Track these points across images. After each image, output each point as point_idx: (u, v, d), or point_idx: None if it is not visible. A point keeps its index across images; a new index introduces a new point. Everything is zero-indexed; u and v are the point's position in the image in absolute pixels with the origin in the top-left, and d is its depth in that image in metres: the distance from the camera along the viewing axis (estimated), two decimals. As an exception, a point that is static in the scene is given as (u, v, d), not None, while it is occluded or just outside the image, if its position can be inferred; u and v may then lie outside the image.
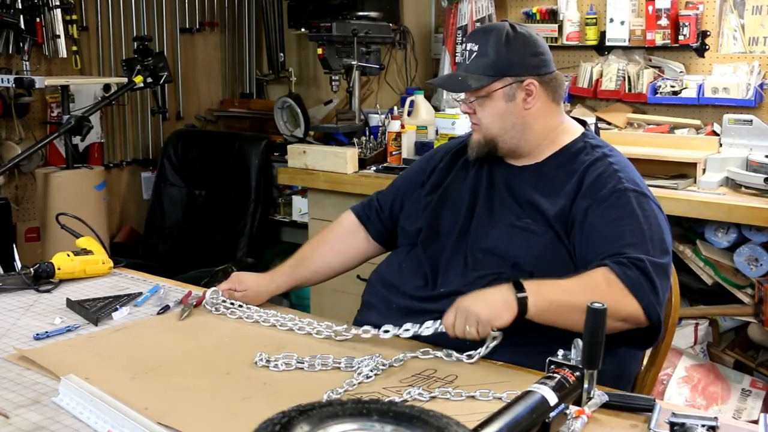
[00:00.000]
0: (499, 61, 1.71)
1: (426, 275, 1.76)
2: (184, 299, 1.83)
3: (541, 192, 1.72)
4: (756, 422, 1.31)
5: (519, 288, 1.51)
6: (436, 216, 1.82)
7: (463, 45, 1.80)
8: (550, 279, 1.56)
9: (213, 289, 1.84)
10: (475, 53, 1.73)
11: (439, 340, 1.60)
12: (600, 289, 1.52)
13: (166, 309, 1.79)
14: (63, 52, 3.82)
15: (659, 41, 3.27)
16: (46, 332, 1.65)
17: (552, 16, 3.59)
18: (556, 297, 1.53)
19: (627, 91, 3.40)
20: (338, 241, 2.00)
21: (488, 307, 1.50)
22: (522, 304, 1.50)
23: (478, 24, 3.57)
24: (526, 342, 1.59)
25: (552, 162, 1.76)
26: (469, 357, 1.53)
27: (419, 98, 3.50)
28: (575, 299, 1.48)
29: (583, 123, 1.86)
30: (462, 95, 1.80)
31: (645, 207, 1.66)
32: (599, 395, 1.30)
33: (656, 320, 1.56)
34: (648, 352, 1.84)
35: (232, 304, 1.81)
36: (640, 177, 1.76)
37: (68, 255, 2.03)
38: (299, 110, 3.84)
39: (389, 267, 1.85)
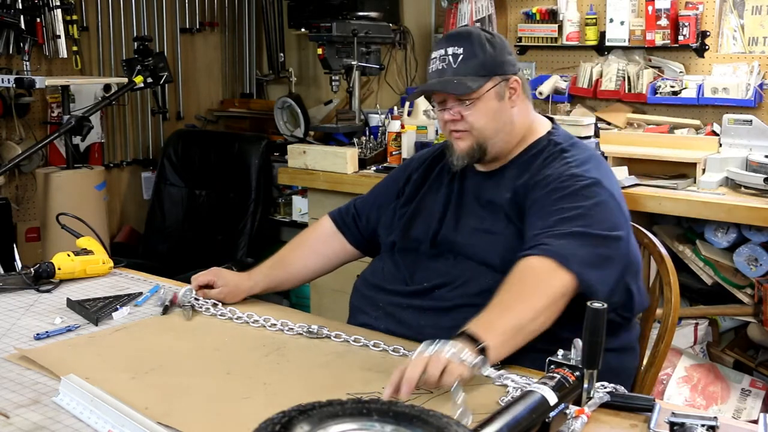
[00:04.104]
0: (488, 60, 1.72)
1: (406, 280, 1.77)
2: (174, 298, 1.84)
3: (500, 191, 1.73)
4: (756, 422, 1.31)
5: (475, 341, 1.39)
6: (409, 227, 1.82)
7: (439, 51, 1.75)
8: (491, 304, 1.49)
9: (187, 287, 1.83)
10: (461, 56, 1.72)
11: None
12: (530, 280, 1.51)
13: (166, 309, 1.79)
14: (63, 53, 3.83)
15: (659, 41, 3.27)
16: (47, 332, 1.65)
17: (552, 16, 3.59)
18: (505, 324, 1.45)
19: (627, 92, 3.40)
20: (317, 244, 2.00)
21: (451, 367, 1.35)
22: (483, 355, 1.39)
23: (477, 24, 3.57)
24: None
25: (516, 162, 1.77)
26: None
27: (419, 98, 3.51)
28: (521, 314, 1.47)
29: (551, 119, 1.86)
30: (436, 104, 1.78)
31: (590, 190, 1.64)
32: (599, 395, 1.30)
33: (588, 287, 1.51)
34: (648, 351, 1.84)
35: (206, 301, 1.82)
36: (604, 171, 1.73)
37: (68, 255, 2.03)
38: (299, 110, 3.84)
39: (373, 270, 1.87)
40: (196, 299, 1.82)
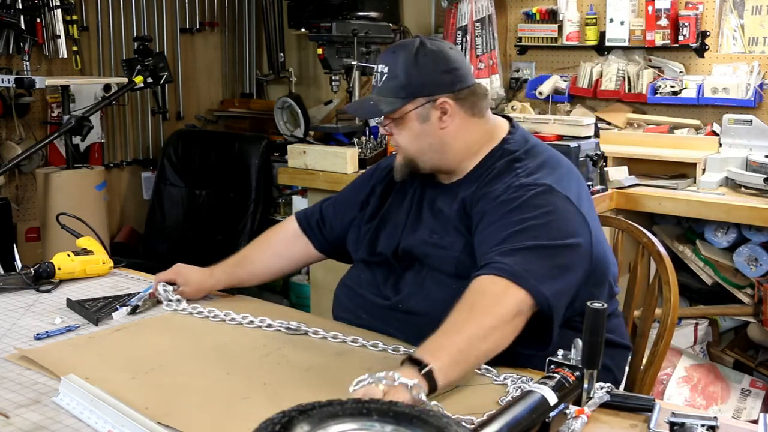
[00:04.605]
0: (410, 81, 1.65)
1: (380, 288, 1.76)
2: (151, 293, 1.84)
3: (451, 203, 1.69)
4: (756, 422, 1.31)
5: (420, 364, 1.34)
6: (375, 243, 1.79)
7: (378, 64, 1.70)
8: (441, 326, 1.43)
9: (162, 284, 1.85)
10: (385, 75, 1.66)
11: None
12: (480, 300, 1.45)
13: (136, 308, 1.79)
14: (63, 53, 3.83)
15: (659, 41, 3.27)
16: (47, 332, 1.65)
17: (552, 16, 3.59)
18: (452, 345, 1.39)
19: (627, 92, 3.41)
20: (281, 246, 1.99)
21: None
22: (429, 378, 1.33)
23: (477, 24, 3.57)
24: (525, 342, 1.59)
25: (472, 176, 1.71)
26: None
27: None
28: (468, 336, 1.40)
29: (509, 119, 1.79)
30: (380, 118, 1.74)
31: (541, 198, 1.57)
32: (599, 395, 1.30)
33: (544, 302, 1.46)
34: (647, 351, 1.84)
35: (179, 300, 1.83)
36: (559, 174, 1.64)
37: (68, 255, 2.03)
38: (299, 110, 3.84)
39: (351, 277, 1.86)
40: (177, 299, 1.83)
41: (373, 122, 3.66)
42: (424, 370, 1.32)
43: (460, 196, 1.68)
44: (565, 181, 1.63)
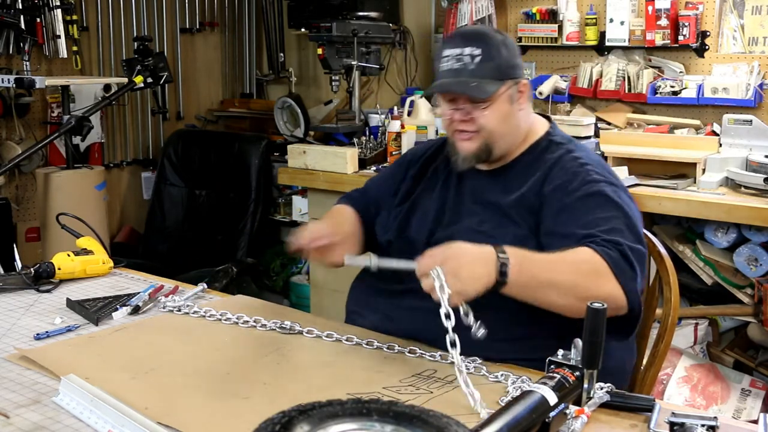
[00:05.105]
0: (503, 63, 1.72)
1: (402, 279, 1.73)
2: (152, 293, 1.83)
3: (504, 193, 1.72)
4: (756, 422, 1.31)
5: (503, 263, 1.45)
6: (406, 226, 1.81)
7: (453, 50, 1.72)
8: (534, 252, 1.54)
9: (195, 290, 1.85)
10: (479, 57, 1.70)
11: (438, 341, 1.61)
12: (585, 267, 1.51)
13: (136, 308, 1.79)
14: (63, 53, 3.83)
15: (659, 41, 3.27)
16: (47, 332, 1.65)
17: (552, 16, 3.59)
18: (538, 273, 1.49)
19: (627, 92, 3.40)
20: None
21: (467, 274, 1.42)
22: (501, 281, 1.44)
23: (478, 23, 3.57)
24: (525, 341, 1.59)
25: (519, 163, 1.77)
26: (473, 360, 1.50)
27: (419, 98, 3.51)
28: (558, 277, 1.49)
29: (548, 118, 1.87)
30: (444, 102, 1.76)
31: (618, 195, 1.66)
32: (599, 395, 1.30)
33: (637, 306, 1.56)
34: (648, 351, 1.84)
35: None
36: (610, 169, 1.76)
37: (68, 255, 2.03)
38: (299, 110, 3.84)
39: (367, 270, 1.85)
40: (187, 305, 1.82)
41: (373, 122, 3.66)
42: (503, 259, 1.44)
43: (518, 186, 1.70)
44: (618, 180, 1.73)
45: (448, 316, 1.38)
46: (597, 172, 1.69)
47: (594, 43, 3.51)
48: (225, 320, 1.73)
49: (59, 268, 2.00)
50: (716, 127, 3.14)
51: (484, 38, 1.72)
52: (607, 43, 3.45)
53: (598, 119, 3.38)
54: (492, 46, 1.71)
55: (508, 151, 1.78)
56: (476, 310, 1.43)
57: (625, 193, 1.70)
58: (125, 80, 3.68)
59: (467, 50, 1.71)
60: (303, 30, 4.23)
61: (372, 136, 3.55)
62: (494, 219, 1.70)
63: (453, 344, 1.38)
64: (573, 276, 1.50)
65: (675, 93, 3.27)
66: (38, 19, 3.74)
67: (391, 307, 1.73)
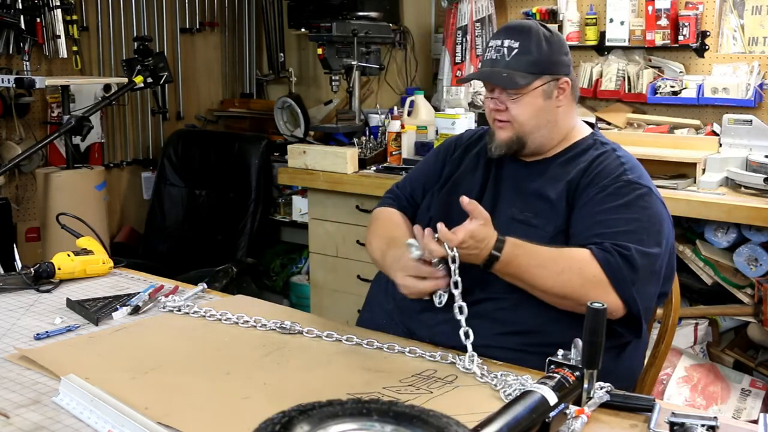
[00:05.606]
0: (542, 58, 1.75)
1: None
2: (152, 293, 1.83)
3: (547, 185, 1.74)
4: (756, 422, 1.31)
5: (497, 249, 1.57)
6: (447, 205, 1.83)
7: (496, 41, 1.78)
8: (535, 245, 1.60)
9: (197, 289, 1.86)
10: (516, 50, 1.74)
11: (438, 341, 1.61)
12: (576, 268, 1.56)
13: (136, 308, 1.79)
14: (63, 53, 3.83)
15: (659, 41, 3.27)
16: (47, 332, 1.65)
17: (552, 16, 3.59)
18: (529, 265, 1.59)
19: (627, 92, 3.41)
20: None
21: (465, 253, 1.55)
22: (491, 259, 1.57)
23: (477, 24, 3.57)
24: (525, 341, 1.59)
25: (561, 157, 1.79)
26: (471, 360, 1.51)
27: (419, 98, 3.51)
28: (546, 271, 1.57)
29: (591, 125, 1.90)
30: (483, 92, 1.83)
31: (645, 200, 1.68)
32: (599, 395, 1.30)
33: (636, 310, 1.58)
34: (648, 351, 1.84)
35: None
36: (647, 175, 1.78)
37: (68, 255, 2.03)
38: (299, 110, 3.84)
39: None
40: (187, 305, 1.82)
41: (373, 122, 3.66)
42: (499, 242, 1.56)
43: (563, 178, 1.73)
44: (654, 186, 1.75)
45: (461, 310, 1.51)
46: (635, 175, 1.71)
47: (594, 43, 3.51)
48: (225, 320, 1.73)
49: (59, 268, 2.00)
50: (716, 127, 3.14)
51: (525, 32, 1.76)
52: (607, 43, 3.45)
53: (598, 119, 3.38)
54: (531, 41, 1.74)
55: (545, 146, 1.80)
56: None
57: (657, 198, 1.71)
58: (125, 80, 3.68)
59: (507, 42, 1.76)
60: (303, 30, 4.23)
61: (372, 136, 3.55)
62: (534, 209, 1.73)
63: (467, 335, 1.49)
64: (560, 272, 1.57)
65: (675, 93, 3.27)
66: (38, 19, 3.74)
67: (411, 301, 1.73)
